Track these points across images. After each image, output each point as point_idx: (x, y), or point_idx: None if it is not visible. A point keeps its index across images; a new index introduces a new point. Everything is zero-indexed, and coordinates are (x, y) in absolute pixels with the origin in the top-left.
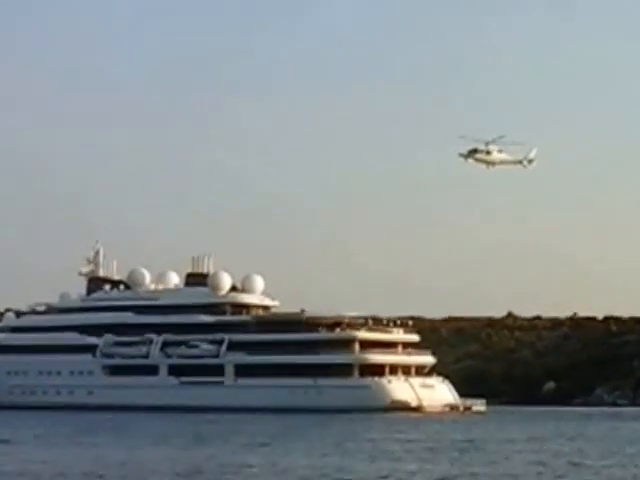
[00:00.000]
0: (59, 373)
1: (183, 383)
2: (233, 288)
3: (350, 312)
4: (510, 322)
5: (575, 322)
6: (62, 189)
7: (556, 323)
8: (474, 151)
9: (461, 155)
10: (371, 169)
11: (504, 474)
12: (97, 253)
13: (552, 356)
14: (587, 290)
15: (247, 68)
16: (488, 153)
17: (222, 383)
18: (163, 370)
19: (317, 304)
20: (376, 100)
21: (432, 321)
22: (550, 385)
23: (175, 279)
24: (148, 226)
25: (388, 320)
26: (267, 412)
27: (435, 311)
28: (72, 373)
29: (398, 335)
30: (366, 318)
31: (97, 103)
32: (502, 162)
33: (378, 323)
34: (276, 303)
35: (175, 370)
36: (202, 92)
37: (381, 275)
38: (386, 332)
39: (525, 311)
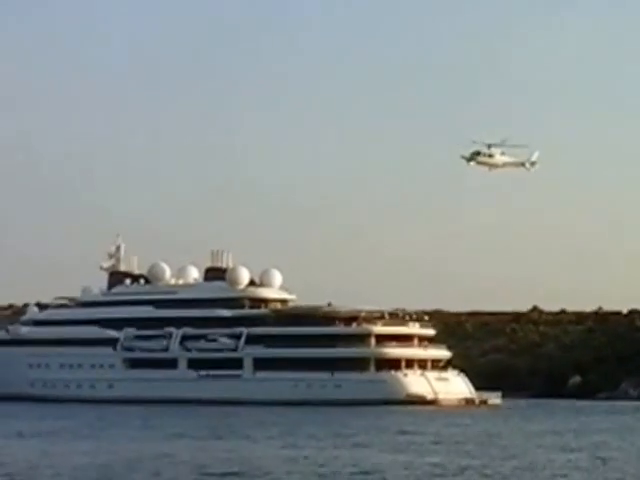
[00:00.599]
0: (80, 366)
1: (202, 376)
2: (251, 282)
3: (372, 306)
4: (535, 316)
5: (600, 316)
6: (85, 186)
7: (581, 317)
8: (477, 153)
9: (463, 157)
10: (380, 164)
11: (516, 468)
12: (118, 248)
13: (577, 350)
14: (612, 284)
15: (249, 67)
16: (491, 156)
17: (240, 376)
18: (182, 363)
19: (336, 298)
20: (380, 100)
21: (457, 315)
22: (576, 379)
23: (194, 274)
24: (168, 221)
25: (404, 314)
26: (285, 405)
27: (461, 305)
28: (93, 366)
29: (414, 329)
30: (382, 312)
31: (106, 103)
32: (505, 165)
33: (394, 317)
34: (293, 297)
35: (194, 363)
36: (208, 88)
37: (405, 269)
38: (402, 326)
39: (550, 305)
